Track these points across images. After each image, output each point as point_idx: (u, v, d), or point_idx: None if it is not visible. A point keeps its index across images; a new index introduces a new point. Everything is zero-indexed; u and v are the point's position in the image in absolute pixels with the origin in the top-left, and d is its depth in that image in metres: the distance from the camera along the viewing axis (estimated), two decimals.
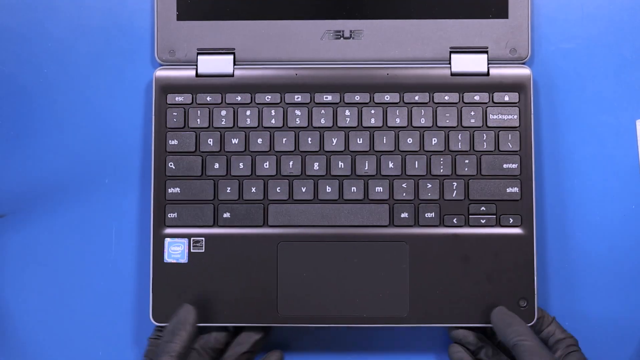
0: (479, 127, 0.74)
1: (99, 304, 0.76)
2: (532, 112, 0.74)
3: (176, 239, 0.73)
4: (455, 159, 0.74)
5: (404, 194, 0.73)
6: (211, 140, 0.74)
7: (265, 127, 0.74)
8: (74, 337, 0.75)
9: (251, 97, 0.74)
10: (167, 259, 0.73)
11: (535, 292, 0.72)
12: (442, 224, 0.73)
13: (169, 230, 0.73)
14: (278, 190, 0.74)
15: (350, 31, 0.75)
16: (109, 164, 0.76)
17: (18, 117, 0.76)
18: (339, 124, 0.74)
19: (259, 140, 0.74)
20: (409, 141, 0.74)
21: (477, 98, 0.74)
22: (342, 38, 0.75)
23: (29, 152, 0.76)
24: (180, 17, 0.75)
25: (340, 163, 0.74)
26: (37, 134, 0.76)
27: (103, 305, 0.76)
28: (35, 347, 0.75)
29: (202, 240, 0.73)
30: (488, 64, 0.74)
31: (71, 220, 0.76)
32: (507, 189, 0.73)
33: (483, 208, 0.73)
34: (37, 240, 0.76)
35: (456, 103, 0.74)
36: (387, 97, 0.74)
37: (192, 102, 0.74)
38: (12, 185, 0.76)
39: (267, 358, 0.72)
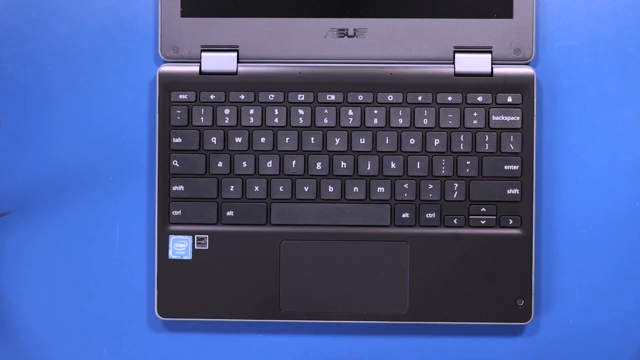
0: (481, 128, 0.74)
1: (103, 301, 0.77)
2: (534, 114, 0.74)
3: (180, 236, 0.75)
4: (456, 160, 0.74)
5: (406, 195, 0.74)
6: (215, 138, 0.75)
7: (268, 126, 0.75)
8: (78, 334, 0.77)
9: (255, 96, 0.75)
10: (172, 255, 0.75)
11: (533, 292, 0.74)
12: (442, 224, 0.74)
13: (173, 228, 0.75)
14: (281, 190, 0.74)
15: (354, 30, 0.75)
16: (113, 162, 0.77)
17: (21, 115, 0.77)
18: (341, 124, 0.74)
19: (262, 139, 0.74)
20: (412, 142, 0.74)
21: (480, 99, 0.74)
22: (345, 36, 0.75)
23: (32, 150, 0.77)
24: (184, 14, 0.75)
25: (342, 163, 0.74)
26: (40, 131, 0.77)
27: (108, 302, 0.77)
28: (38, 345, 0.77)
29: (206, 237, 0.75)
30: (492, 64, 0.74)
31: (75, 218, 0.77)
32: (508, 190, 0.74)
33: (483, 209, 0.74)
34: (40, 237, 0.77)
35: (459, 104, 0.74)
36: (390, 97, 0.74)
37: (196, 100, 0.75)
38: (15, 182, 0.77)
39: None
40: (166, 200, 0.75)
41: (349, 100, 0.74)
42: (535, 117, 0.74)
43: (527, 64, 0.75)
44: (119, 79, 0.77)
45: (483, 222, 0.74)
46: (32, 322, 0.77)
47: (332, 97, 0.74)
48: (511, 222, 0.74)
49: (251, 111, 0.75)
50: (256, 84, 0.75)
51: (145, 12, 0.76)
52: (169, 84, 0.75)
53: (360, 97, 0.74)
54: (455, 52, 0.75)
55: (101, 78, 0.77)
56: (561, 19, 0.76)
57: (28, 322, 0.77)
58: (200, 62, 0.75)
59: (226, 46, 0.75)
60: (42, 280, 0.77)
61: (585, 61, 0.77)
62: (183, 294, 0.74)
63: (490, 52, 0.74)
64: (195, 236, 0.75)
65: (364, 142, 0.74)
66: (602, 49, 0.76)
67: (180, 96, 0.75)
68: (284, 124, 0.75)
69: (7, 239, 0.77)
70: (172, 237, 0.75)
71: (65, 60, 0.77)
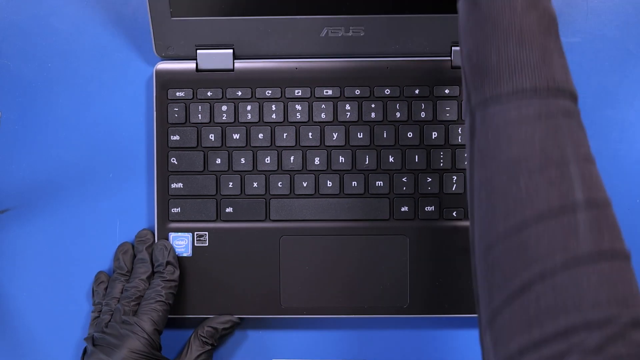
0: None
1: None
2: None
3: (180, 233, 0.75)
4: (455, 152, 0.74)
5: (404, 188, 0.74)
6: (212, 135, 0.75)
7: (266, 122, 0.75)
8: (78, 330, 0.77)
9: (252, 92, 0.75)
10: None
11: None
12: (441, 217, 0.74)
13: (173, 225, 0.75)
14: (280, 185, 0.74)
15: (351, 28, 0.75)
16: (112, 160, 0.77)
17: (21, 112, 0.77)
18: (339, 119, 0.75)
19: (260, 135, 0.75)
20: (410, 135, 0.74)
21: None
22: (342, 34, 0.75)
23: (31, 147, 0.77)
24: (174, 14, 0.74)
25: (340, 157, 0.74)
26: (41, 128, 0.77)
27: None
28: (38, 341, 0.77)
29: (206, 234, 0.75)
30: None
31: (75, 216, 0.77)
32: None
33: None
34: (40, 234, 0.77)
35: (456, 96, 0.74)
36: (387, 91, 0.74)
37: (193, 97, 0.75)
38: (15, 179, 0.77)
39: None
40: (165, 197, 0.75)
41: (346, 95, 0.74)
42: None
43: None
44: (117, 76, 0.77)
45: None
46: (32, 319, 0.77)
47: (329, 92, 0.74)
48: None
49: (248, 107, 0.75)
50: (253, 80, 0.75)
51: (144, 10, 0.77)
52: (166, 81, 0.75)
53: (357, 92, 0.74)
54: (452, 46, 0.74)
55: (100, 76, 0.77)
56: (562, 15, 0.76)
57: (27, 319, 0.77)
58: (196, 60, 0.75)
59: (220, 45, 0.75)
60: (42, 278, 0.77)
61: (585, 58, 0.76)
62: (183, 291, 0.74)
63: None
64: (195, 233, 0.75)
65: (361, 136, 0.74)
66: (602, 45, 0.76)
67: (177, 93, 0.75)
68: (282, 120, 0.75)
69: (7, 236, 0.77)
70: (171, 234, 0.75)
71: (65, 57, 0.77)
